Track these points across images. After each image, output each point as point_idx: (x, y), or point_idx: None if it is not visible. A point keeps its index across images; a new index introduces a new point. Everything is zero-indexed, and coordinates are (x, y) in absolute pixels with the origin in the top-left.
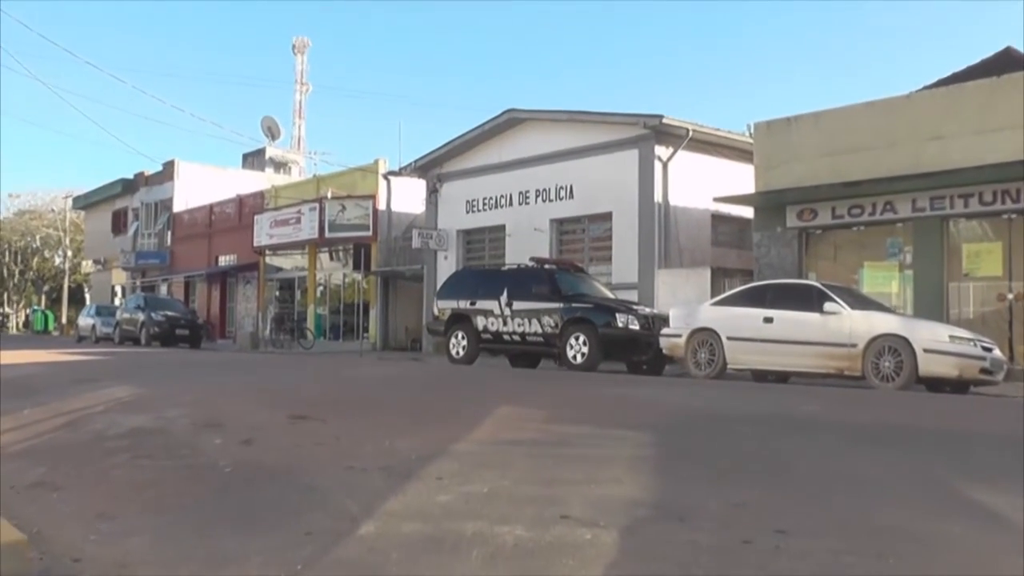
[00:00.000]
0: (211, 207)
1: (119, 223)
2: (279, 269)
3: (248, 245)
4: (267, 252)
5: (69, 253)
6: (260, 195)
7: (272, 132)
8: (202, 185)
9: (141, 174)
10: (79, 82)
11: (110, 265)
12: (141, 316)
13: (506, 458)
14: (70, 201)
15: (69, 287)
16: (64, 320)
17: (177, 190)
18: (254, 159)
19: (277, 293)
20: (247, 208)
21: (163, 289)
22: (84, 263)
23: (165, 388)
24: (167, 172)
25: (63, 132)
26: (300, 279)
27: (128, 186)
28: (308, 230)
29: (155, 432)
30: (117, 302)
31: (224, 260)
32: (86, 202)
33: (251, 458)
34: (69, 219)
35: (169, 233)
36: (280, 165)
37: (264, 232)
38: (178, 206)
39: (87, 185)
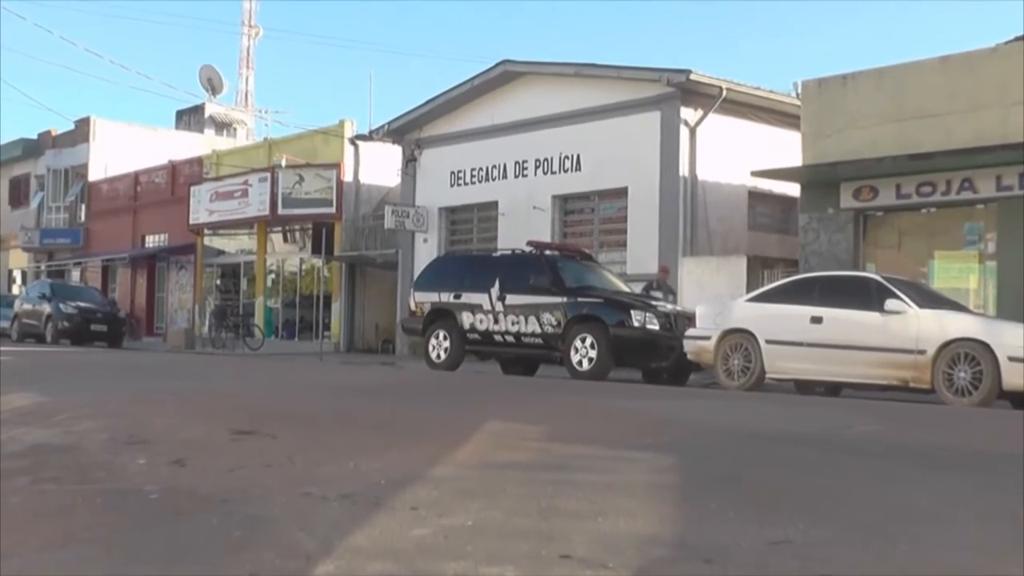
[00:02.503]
0: (136, 175)
1: (19, 194)
2: (221, 252)
3: (182, 223)
4: (206, 231)
5: None
6: (198, 162)
7: (213, 85)
8: (125, 148)
9: (47, 133)
10: None
11: (7, 245)
12: (47, 308)
13: (495, 484)
14: None
15: None
16: None
17: (93, 154)
18: (191, 118)
19: (218, 282)
20: (182, 177)
21: (75, 275)
22: None
23: (77, 396)
24: (80, 132)
25: None
26: (247, 265)
27: (30, 148)
28: (257, 205)
29: (63, 450)
30: (16, 290)
31: (152, 241)
32: None
33: (183, 482)
34: None
35: (83, 207)
36: (223, 126)
37: (203, 207)
38: (94, 174)
39: None
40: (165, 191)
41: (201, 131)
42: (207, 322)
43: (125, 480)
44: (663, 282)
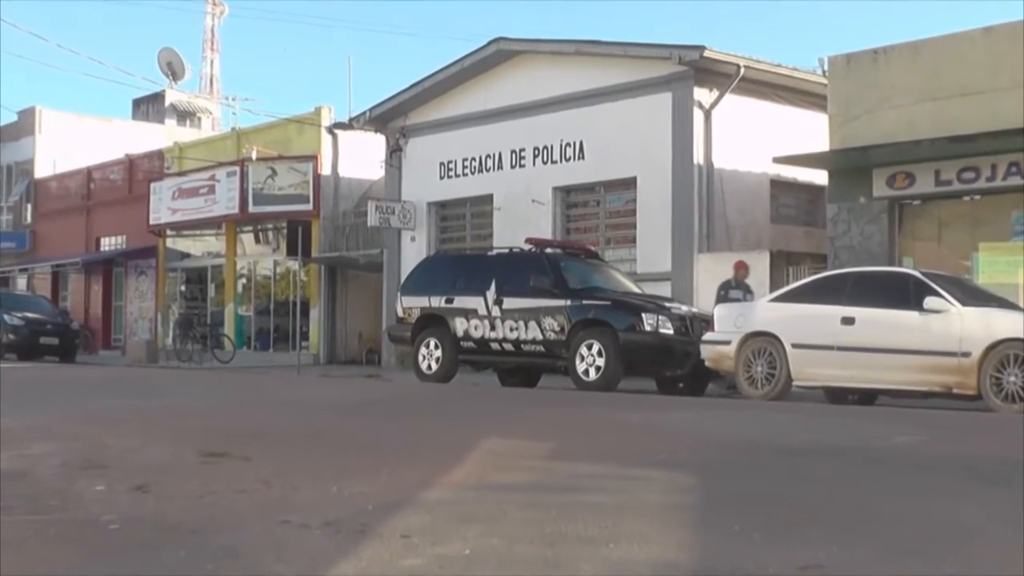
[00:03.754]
0: (89, 171)
1: None
2: (185, 255)
3: (142, 223)
4: (168, 232)
5: None
6: (158, 155)
7: (174, 70)
8: (75, 141)
9: None
10: None
11: None
12: None
13: (495, 508)
14: None
15: None
16: None
17: (39, 148)
18: (150, 107)
19: (183, 288)
20: (140, 173)
21: (21, 283)
22: None
23: (27, 416)
24: (24, 124)
25: None
26: (215, 269)
27: None
28: (225, 203)
29: (13, 477)
30: None
31: (108, 243)
32: None
33: (147, 510)
34: None
35: (29, 207)
36: (186, 115)
37: (164, 206)
38: (41, 170)
39: None
40: (122, 188)
41: (161, 121)
42: (171, 333)
43: (82, 509)
44: (741, 281)
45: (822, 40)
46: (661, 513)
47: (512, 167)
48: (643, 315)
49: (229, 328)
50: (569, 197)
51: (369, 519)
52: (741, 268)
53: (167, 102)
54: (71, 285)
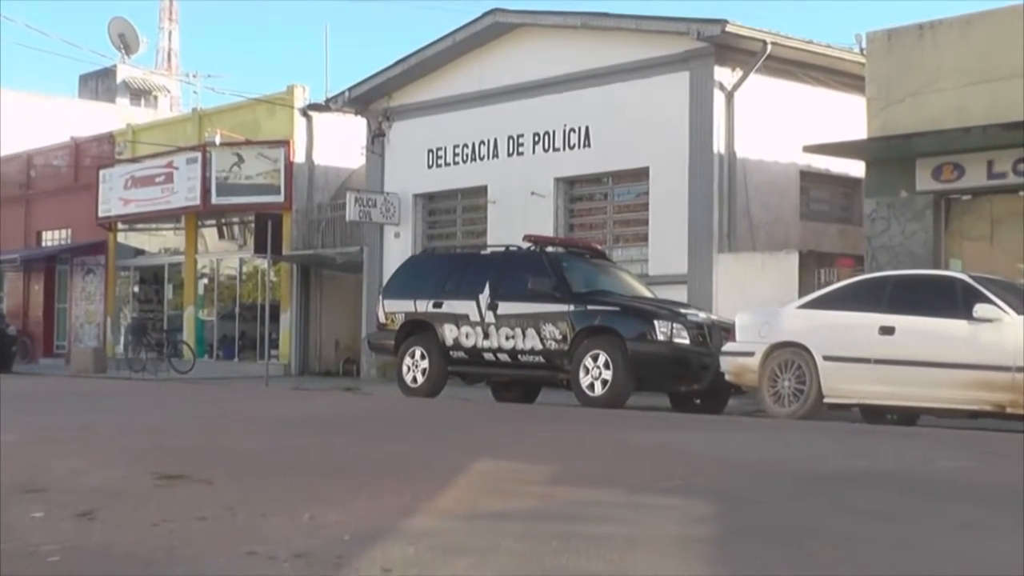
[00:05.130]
0: (29, 157)
1: None
2: (139, 252)
3: (90, 216)
4: (120, 226)
5: None
6: (109, 139)
7: (126, 43)
8: (13, 122)
9: None
10: None
11: None
12: None
13: (487, 538)
14: None
15: None
16: None
17: None
18: (99, 83)
19: (137, 289)
20: (88, 159)
21: None
22: None
23: None
24: None
25: None
26: (172, 268)
27: None
28: (185, 193)
29: None
30: None
31: (51, 238)
32: None
33: (93, 540)
34: None
35: None
36: (140, 93)
37: (115, 196)
38: None
39: None
40: (67, 176)
41: (112, 100)
42: (122, 339)
43: (16, 539)
44: None
45: (860, 14)
46: (675, 547)
47: (509, 155)
48: (655, 322)
49: (188, 334)
50: (573, 189)
51: (345, 551)
52: (846, 264)
53: (119, 79)
54: (8, 285)
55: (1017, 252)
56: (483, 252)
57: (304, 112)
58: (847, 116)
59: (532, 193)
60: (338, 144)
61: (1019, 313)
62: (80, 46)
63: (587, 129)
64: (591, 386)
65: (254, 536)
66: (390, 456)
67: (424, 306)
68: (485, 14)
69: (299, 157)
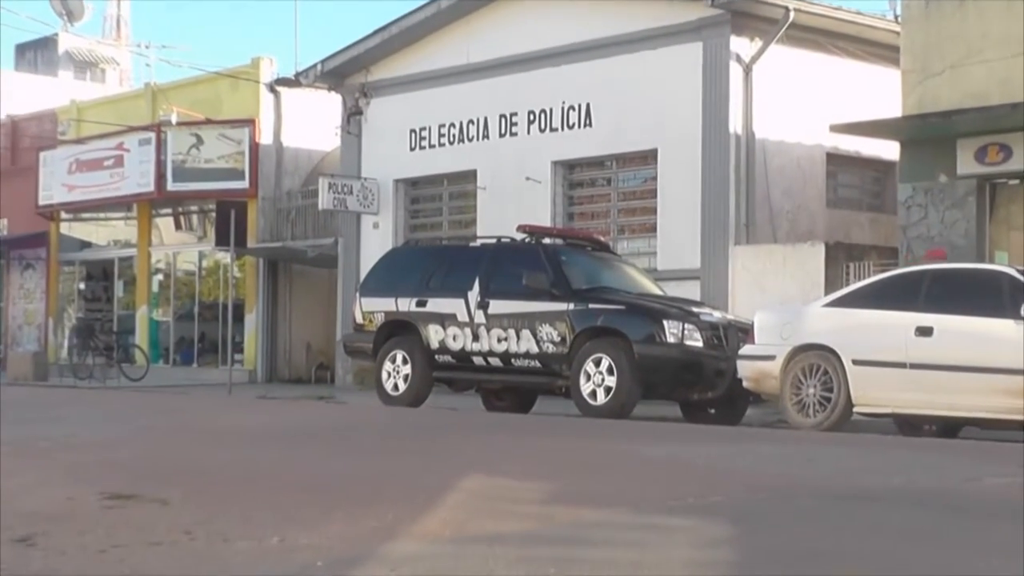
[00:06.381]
0: None
1: None
2: (86, 245)
3: (28, 203)
4: (63, 216)
5: None
6: (50, 117)
7: (70, 9)
8: None
9: None
10: None
11: None
12: None
13: (478, 564)
14: None
15: None
16: None
17: None
18: (38, 55)
19: (83, 286)
20: (26, 139)
21: None
22: None
23: None
24: None
25: None
26: (123, 262)
27: None
28: (137, 178)
29: None
30: None
31: None
32: None
33: (32, 567)
34: None
35: None
36: (86, 66)
37: (58, 181)
38: None
39: None
40: (2, 159)
41: (54, 74)
42: (66, 343)
43: None
44: None
45: None
46: (687, 573)
47: (501, 136)
48: (665, 323)
49: (141, 337)
50: (572, 174)
51: None
52: (936, 256)
53: (61, 49)
54: None
55: None
56: (472, 244)
57: (271, 88)
58: (879, 91)
59: (527, 178)
60: (309, 124)
61: None
62: (16, 12)
63: (588, 107)
64: (593, 394)
65: (216, 563)
66: (369, 473)
67: (406, 305)
68: None
69: (265, 138)
